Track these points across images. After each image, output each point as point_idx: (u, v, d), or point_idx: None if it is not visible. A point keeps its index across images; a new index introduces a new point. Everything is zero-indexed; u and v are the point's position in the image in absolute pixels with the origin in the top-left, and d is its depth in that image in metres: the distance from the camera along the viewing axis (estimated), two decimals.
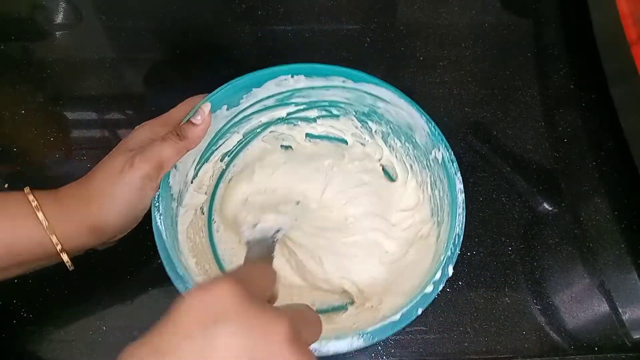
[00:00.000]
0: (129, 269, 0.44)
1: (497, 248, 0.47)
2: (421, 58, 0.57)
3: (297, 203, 0.43)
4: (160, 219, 0.36)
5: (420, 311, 0.33)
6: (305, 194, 0.44)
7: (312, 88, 0.44)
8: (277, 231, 0.39)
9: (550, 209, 0.49)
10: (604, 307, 0.44)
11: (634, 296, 0.45)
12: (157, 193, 0.36)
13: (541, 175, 0.51)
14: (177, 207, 0.40)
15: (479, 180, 0.50)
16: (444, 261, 0.35)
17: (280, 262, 0.43)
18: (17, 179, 0.49)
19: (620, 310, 0.44)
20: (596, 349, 0.43)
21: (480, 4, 0.61)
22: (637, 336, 0.43)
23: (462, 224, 0.36)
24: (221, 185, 0.46)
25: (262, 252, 0.36)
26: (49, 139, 0.50)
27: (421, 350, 0.42)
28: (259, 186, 0.44)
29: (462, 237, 0.36)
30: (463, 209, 0.37)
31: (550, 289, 0.45)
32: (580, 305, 0.44)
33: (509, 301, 0.44)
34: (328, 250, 0.41)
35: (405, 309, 0.33)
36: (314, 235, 0.42)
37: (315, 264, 0.41)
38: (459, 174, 0.38)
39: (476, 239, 0.47)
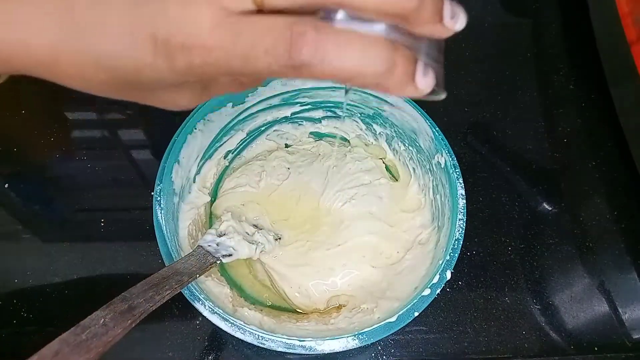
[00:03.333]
0: (129, 269, 0.44)
1: (497, 248, 0.47)
2: None
3: (278, 238, 0.43)
4: (161, 213, 0.36)
5: (416, 314, 0.33)
6: (301, 208, 0.44)
7: (318, 88, 0.44)
8: (229, 255, 0.37)
9: (550, 209, 0.49)
10: (604, 307, 0.44)
11: (634, 296, 0.45)
12: (159, 187, 0.36)
13: (541, 175, 0.51)
14: (178, 202, 0.40)
15: (479, 180, 0.50)
16: (442, 265, 0.35)
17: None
18: (17, 179, 0.49)
19: (620, 310, 0.44)
20: (596, 349, 0.43)
21: (480, 4, 0.61)
22: (637, 336, 0.43)
23: (462, 230, 0.36)
24: (223, 180, 0.47)
25: (200, 265, 0.34)
26: (49, 139, 0.50)
27: (421, 350, 0.42)
28: (259, 196, 0.44)
29: (461, 242, 0.36)
30: (464, 215, 0.37)
31: (550, 289, 0.45)
32: (580, 305, 0.44)
33: (509, 301, 0.44)
34: (314, 276, 0.41)
35: (401, 312, 0.33)
36: (300, 265, 0.42)
37: (303, 297, 0.41)
38: (461, 180, 0.38)
39: (476, 239, 0.47)
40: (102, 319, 0.26)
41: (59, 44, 0.19)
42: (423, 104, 0.41)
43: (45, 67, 0.20)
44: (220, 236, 0.38)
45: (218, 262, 0.35)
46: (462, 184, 0.38)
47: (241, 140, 0.46)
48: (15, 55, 0.19)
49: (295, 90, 0.44)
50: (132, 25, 0.18)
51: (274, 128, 0.48)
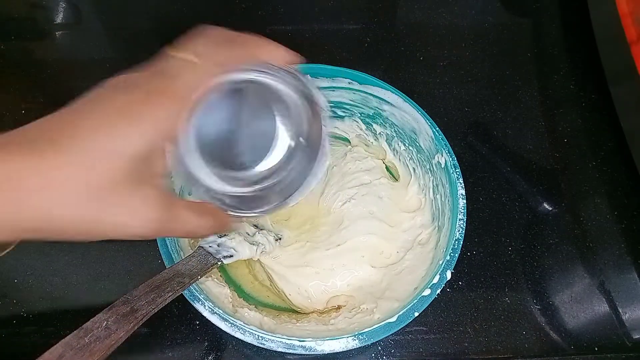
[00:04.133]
0: (129, 269, 0.44)
1: (497, 248, 0.47)
2: (421, 58, 0.57)
3: (279, 239, 0.43)
4: None
5: (416, 314, 0.33)
6: (301, 208, 0.44)
7: (318, 88, 0.43)
8: (230, 256, 0.37)
9: (550, 209, 0.49)
10: (604, 307, 0.44)
11: (634, 296, 0.45)
12: None
13: (541, 175, 0.51)
14: None
15: (479, 180, 0.50)
16: (443, 265, 0.35)
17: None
18: None
19: (620, 310, 0.44)
20: (596, 349, 0.43)
21: (480, 4, 0.61)
22: (637, 336, 0.43)
23: (462, 230, 0.36)
24: None
25: (201, 266, 0.34)
26: None
27: (421, 350, 0.42)
28: None
29: (461, 242, 0.36)
30: (464, 215, 0.37)
31: (550, 289, 0.45)
32: (580, 305, 0.44)
33: (509, 301, 0.44)
34: (314, 277, 0.41)
35: (401, 312, 0.33)
36: (300, 266, 0.41)
37: (302, 298, 0.41)
38: (461, 180, 0.38)
39: (476, 239, 0.47)
40: (105, 322, 0.26)
41: (83, 215, 0.23)
42: (423, 105, 0.41)
43: (62, 233, 0.23)
44: (221, 237, 0.38)
45: (219, 263, 0.35)
46: (462, 184, 0.38)
47: None
48: (35, 225, 0.22)
49: None
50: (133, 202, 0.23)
51: None
